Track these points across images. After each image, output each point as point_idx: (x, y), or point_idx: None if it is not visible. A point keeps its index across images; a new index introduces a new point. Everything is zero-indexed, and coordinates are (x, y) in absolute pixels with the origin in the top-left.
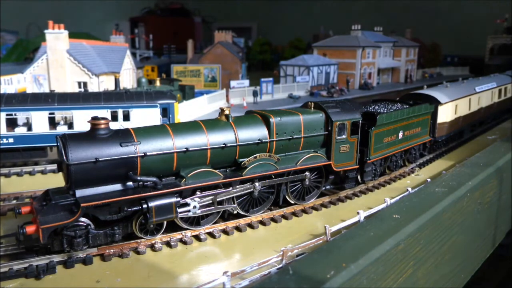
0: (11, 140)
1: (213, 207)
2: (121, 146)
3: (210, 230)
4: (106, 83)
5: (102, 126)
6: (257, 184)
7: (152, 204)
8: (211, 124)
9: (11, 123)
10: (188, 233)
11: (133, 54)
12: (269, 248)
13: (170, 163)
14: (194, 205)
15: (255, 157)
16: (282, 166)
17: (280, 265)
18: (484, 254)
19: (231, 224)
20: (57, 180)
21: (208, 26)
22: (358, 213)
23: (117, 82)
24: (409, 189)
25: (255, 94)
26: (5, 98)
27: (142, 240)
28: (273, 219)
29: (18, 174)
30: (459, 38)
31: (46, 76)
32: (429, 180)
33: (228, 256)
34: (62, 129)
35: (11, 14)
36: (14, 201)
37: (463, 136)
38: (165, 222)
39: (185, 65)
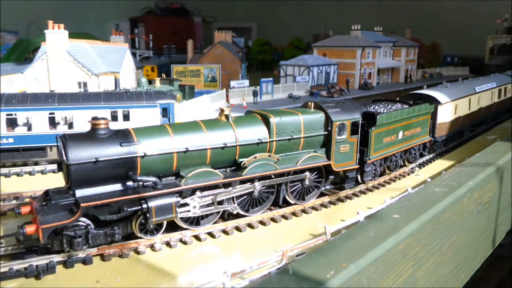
0: (11, 140)
1: (213, 207)
2: (121, 146)
3: (210, 230)
4: (107, 83)
5: (102, 126)
6: (257, 184)
7: (152, 204)
8: (211, 124)
9: (11, 123)
10: (188, 233)
11: (133, 54)
12: (269, 248)
13: (170, 163)
14: (194, 205)
15: (255, 157)
16: (282, 166)
17: (280, 265)
18: (484, 254)
19: (231, 224)
20: (57, 180)
21: (208, 26)
22: (358, 213)
23: (117, 82)
24: (409, 189)
25: (255, 94)
26: (5, 98)
27: (142, 240)
28: (273, 219)
29: (18, 174)
30: (459, 38)
31: (46, 76)
32: (429, 180)
33: (228, 256)
34: (62, 129)
35: (11, 14)
36: (14, 201)
37: (463, 136)
38: (165, 222)
39: (185, 65)
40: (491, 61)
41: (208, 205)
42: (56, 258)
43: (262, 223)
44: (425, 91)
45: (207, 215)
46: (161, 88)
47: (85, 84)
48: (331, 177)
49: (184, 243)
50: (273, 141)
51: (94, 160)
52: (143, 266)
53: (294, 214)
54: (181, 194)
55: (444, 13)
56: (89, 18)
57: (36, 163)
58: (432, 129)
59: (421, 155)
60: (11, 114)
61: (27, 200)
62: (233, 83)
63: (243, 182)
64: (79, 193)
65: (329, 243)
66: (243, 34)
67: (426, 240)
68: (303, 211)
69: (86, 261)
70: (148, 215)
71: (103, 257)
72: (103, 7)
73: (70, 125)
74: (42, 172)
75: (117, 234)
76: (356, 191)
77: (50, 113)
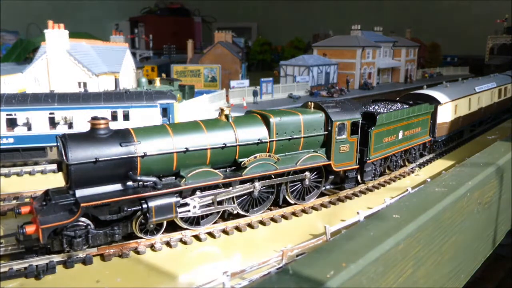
0: (11, 140)
1: (213, 207)
2: (121, 146)
3: (210, 230)
4: (106, 83)
5: (102, 126)
6: (257, 184)
7: (152, 204)
8: (211, 124)
9: (11, 123)
10: (188, 233)
11: (133, 54)
12: (269, 248)
13: (170, 163)
14: (194, 205)
15: (255, 157)
16: (282, 166)
17: (280, 265)
18: (484, 254)
19: (231, 224)
20: (57, 180)
21: (208, 26)
22: (358, 213)
23: (117, 82)
24: (409, 189)
25: (255, 94)
26: (5, 98)
27: (142, 240)
28: (273, 219)
29: (18, 174)
30: (459, 38)
31: (46, 76)
32: (429, 180)
33: (228, 256)
34: (62, 129)
35: (11, 14)
36: (14, 201)
37: (463, 136)
38: (165, 222)
39: (185, 65)
40: (491, 61)
41: (208, 205)
42: (56, 258)
43: (262, 223)
44: (425, 91)
45: (207, 215)
46: (161, 88)
47: (85, 84)
48: (331, 177)
49: (184, 243)
50: (273, 141)
51: (94, 160)
52: (143, 266)
53: (294, 214)
54: (181, 194)
55: (444, 13)
56: (89, 18)
57: (36, 163)
58: (432, 129)
59: (421, 155)
60: (11, 114)
61: (27, 200)
62: (233, 83)
63: (243, 182)
64: (79, 193)
65: (329, 243)
66: (243, 34)
67: (426, 240)
68: (303, 211)
69: (86, 261)
70: (148, 215)
71: (103, 257)
72: (103, 7)
73: (70, 125)
74: (42, 172)
75: (117, 234)
76: (356, 191)
77: (50, 113)
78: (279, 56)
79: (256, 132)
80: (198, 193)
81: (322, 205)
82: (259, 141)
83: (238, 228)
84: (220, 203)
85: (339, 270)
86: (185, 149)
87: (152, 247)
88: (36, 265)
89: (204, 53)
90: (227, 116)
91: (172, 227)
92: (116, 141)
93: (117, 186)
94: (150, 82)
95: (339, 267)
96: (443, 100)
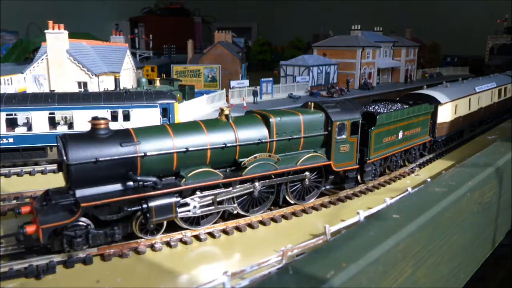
0: (11, 140)
1: (213, 207)
2: (121, 146)
3: (210, 230)
4: (106, 83)
5: (102, 126)
6: (257, 184)
7: (152, 204)
8: (211, 124)
9: (11, 123)
10: (188, 233)
11: (133, 54)
12: (269, 248)
13: (170, 163)
14: (194, 205)
15: (255, 157)
16: (282, 166)
17: (280, 265)
18: (484, 254)
19: (231, 224)
20: (57, 180)
21: (208, 26)
22: (358, 213)
23: (117, 82)
24: (409, 189)
25: (255, 94)
26: (5, 98)
27: (142, 240)
28: (273, 219)
29: (18, 174)
30: (459, 38)
31: (46, 76)
32: (429, 180)
33: (228, 256)
34: (62, 129)
35: (11, 14)
36: (14, 201)
37: (463, 136)
38: (165, 222)
39: (185, 65)
40: (491, 61)
41: (208, 205)
42: (56, 258)
43: (262, 223)
44: (425, 91)
45: (207, 215)
46: (161, 88)
47: (85, 84)
48: (331, 177)
49: (184, 243)
50: (273, 141)
51: (94, 160)
52: (143, 266)
53: (294, 214)
54: (181, 194)
55: (444, 13)
56: (89, 18)
57: (36, 163)
58: (432, 129)
59: (421, 155)
60: (11, 114)
61: (27, 200)
62: (233, 83)
63: (243, 182)
64: (79, 193)
65: (329, 243)
66: (243, 34)
67: (426, 240)
68: (303, 211)
69: (86, 261)
70: (148, 215)
71: (103, 257)
72: (103, 7)
73: (70, 125)
74: (42, 172)
75: (117, 234)
76: (356, 191)
77: (50, 113)
78: (279, 56)
79: (256, 132)
80: (198, 193)
81: (322, 205)
82: (259, 141)
83: (238, 228)
84: (220, 203)
85: (339, 270)
86: (185, 149)
87: (152, 247)
88: (36, 265)
89: (204, 53)
90: (227, 116)
91: (172, 227)
92: (116, 141)
93: (117, 186)
94: (150, 82)
95: (339, 267)
96: (443, 100)
